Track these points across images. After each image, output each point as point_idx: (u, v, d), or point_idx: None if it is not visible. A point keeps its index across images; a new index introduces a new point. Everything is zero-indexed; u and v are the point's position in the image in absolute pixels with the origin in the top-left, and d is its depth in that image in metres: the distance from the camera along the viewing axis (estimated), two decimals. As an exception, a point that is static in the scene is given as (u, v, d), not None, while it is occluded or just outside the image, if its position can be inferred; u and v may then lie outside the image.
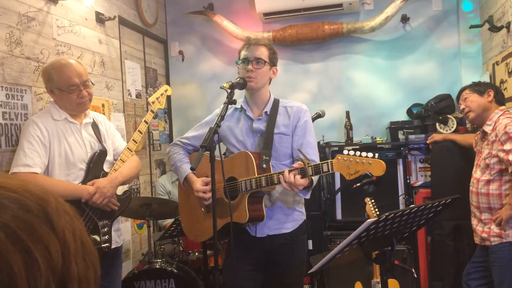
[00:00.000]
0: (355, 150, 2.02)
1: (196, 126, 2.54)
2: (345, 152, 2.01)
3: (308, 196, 2.27)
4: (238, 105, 2.37)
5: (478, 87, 2.86)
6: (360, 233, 1.68)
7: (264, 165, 2.20)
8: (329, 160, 2.04)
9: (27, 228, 0.48)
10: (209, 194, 2.25)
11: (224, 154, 2.45)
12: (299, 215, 2.38)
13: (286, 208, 2.33)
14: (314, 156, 2.32)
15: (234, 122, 2.38)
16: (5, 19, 2.58)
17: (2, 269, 0.45)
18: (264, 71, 2.30)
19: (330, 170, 2.04)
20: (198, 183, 2.31)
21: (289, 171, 2.07)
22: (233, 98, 2.15)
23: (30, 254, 0.47)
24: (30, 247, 0.47)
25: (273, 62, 2.36)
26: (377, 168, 1.95)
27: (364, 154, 1.97)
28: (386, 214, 1.65)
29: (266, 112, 2.34)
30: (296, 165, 2.09)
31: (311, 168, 2.05)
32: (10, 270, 0.45)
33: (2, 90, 2.53)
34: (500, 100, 2.81)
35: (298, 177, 2.04)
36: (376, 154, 1.96)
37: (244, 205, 2.19)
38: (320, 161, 2.33)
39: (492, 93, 2.79)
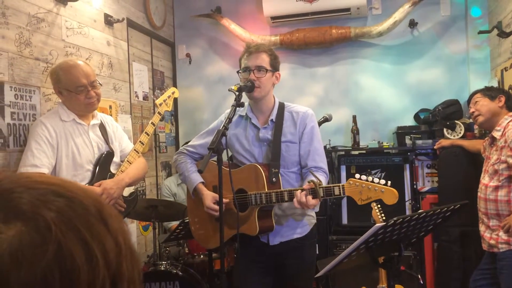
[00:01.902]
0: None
1: (201, 133, 2.52)
2: (357, 176, 2.00)
3: (316, 209, 2.27)
4: (243, 113, 2.35)
5: (490, 92, 2.85)
6: (368, 238, 1.67)
7: (273, 179, 2.20)
8: (341, 184, 2.05)
9: (87, 225, 0.50)
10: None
11: (231, 159, 2.44)
12: (310, 219, 2.38)
13: (296, 214, 2.32)
14: (322, 163, 2.31)
15: (240, 130, 2.36)
16: (15, 20, 2.60)
17: (66, 260, 0.47)
18: (267, 79, 2.27)
19: (341, 194, 2.04)
20: (209, 199, 2.28)
21: (301, 191, 2.07)
22: (241, 101, 2.15)
23: (90, 249, 0.49)
24: (90, 243, 0.49)
25: (275, 68, 2.32)
26: (390, 196, 1.94)
27: (376, 180, 1.96)
28: (395, 219, 1.64)
29: (272, 120, 2.32)
30: (306, 186, 2.09)
31: (322, 190, 2.05)
32: (73, 261, 0.47)
33: (11, 90, 2.54)
34: (510, 106, 2.79)
35: (309, 197, 2.04)
36: (389, 182, 1.95)
37: (254, 218, 2.19)
38: (327, 167, 2.34)
39: (503, 99, 2.77)
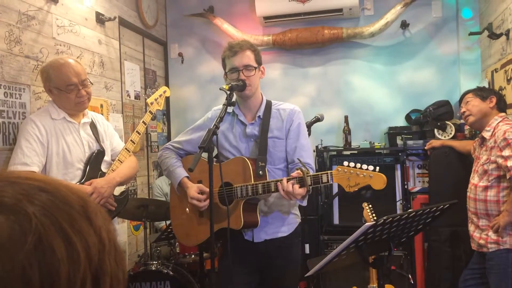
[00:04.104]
0: (355, 161, 1.99)
1: (187, 130, 2.51)
2: (345, 163, 1.99)
3: (305, 204, 2.26)
4: (229, 109, 2.35)
5: (481, 92, 2.87)
6: (358, 237, 1.68)
7: (260, 172, 2.19)
8: (329, 171, 2.02)
9: (69, 220, 0.51)
10: (204, 203, 2.25)
11: (216, 156, 2.44)
12: (295, 218, 2.38)
13: (282, 212, 2.32)
14: (308, 159, 2.30)
15: (227, 127, 2.36)
16: (5, 17, 2.57)
17: (46, 253, 0.47)
18: (256, 76, 2.28)
19: (329, 181, 2.02)
20: (193, 190, 2.29)
21: (287, 180, 2.05)
22: (232, 100, 2.14)
23: (71, 243, 0.49)
24: (72, 237, 0.50)
25: (259, 63, 2.32)
26: (378, 181, 1.93)
27: (365, 166, 1.95)
28: (384, 218, 1.65)
29: (259, 116, 2.32)
30: (294, 174, 2.07)
31: (310, 178, 2.03)
32: (53, 254, 0.47)
33: (0, 88, 2.52)
34: (501, 107, 2.81)
35: (296, 186, 2.02)
36: (377, 168, 1.94)
37: (239, 211, 2.18)
38: (317, 164, 2.33)
39: (494, 100, 2.79)
